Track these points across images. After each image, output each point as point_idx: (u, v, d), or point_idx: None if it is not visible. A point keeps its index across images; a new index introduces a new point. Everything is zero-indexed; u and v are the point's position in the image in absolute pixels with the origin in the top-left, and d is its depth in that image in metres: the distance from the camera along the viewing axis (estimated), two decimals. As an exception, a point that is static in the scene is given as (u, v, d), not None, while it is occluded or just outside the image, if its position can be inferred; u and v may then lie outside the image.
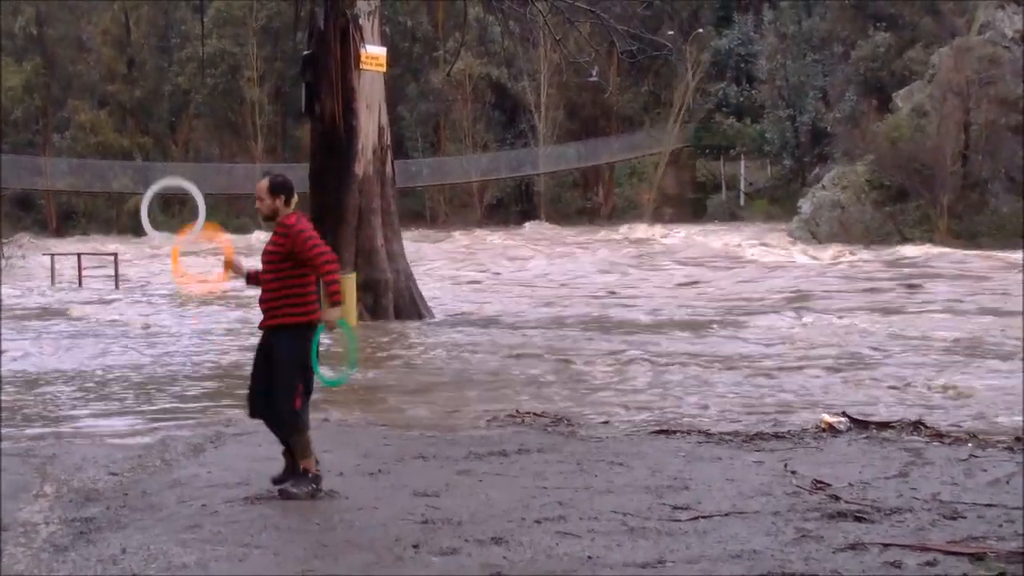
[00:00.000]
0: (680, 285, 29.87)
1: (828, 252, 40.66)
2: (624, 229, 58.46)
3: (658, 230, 57.17)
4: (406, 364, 16.06)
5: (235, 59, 74.11)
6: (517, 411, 11.09)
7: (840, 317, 20.84)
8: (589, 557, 6.02)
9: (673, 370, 14.53)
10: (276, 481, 7.43)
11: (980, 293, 25.44)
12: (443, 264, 39.63)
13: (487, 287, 30.52)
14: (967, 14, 54.64)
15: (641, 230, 57.65)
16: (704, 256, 41.38)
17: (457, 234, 58.76)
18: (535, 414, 10.91)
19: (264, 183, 7.46)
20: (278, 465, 8.19)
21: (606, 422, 10.64)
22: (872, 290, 27.24)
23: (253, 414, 7.60)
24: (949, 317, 20.94)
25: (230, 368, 15.34)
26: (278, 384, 7.38)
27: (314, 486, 7.36)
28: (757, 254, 41.33)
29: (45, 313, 24.27)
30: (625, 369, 14.70)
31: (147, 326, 21.21)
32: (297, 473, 7.40)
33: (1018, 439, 9.17)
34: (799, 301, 24.61)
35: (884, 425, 9.88)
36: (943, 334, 17.99)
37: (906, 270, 33.52)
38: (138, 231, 68.67)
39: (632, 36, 24.74)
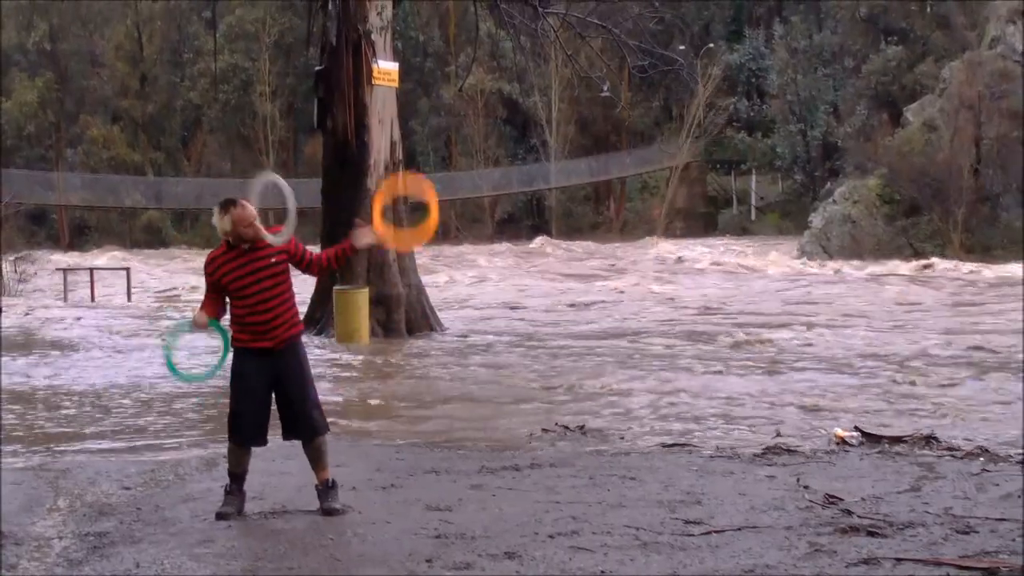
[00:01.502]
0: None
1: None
2: (652, 248, 56.23)
3: (686, 246, 55.33)
4: (418, 378, 16.07)
5: (247, 74, 74.41)
6: (557, 423, 11.06)
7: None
8: (602, 572, 6.02)
9: (693, 382, 14.52)
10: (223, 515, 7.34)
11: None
12: (457, 279, 39.62)
13: (512, 301, 30.41)
14: (978, 28, 54.65)
15: (667, 247, 55.62)
16: (762, 273, 40.38)
17: (475, 254, 58.08)
18: (566, 427, 10.89)
19: (251, 208, 7.32)
20: (292, 479, 8.22)
21: (622, 437, 10.62)
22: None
23: (249, 442, 7.46)
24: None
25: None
26: (311, 393, 7.44)
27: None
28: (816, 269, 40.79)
29: (55, 328, 24.32)
30: (638, 384, 14.67)
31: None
32: (322, 489, 7.43)
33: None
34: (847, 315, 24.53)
35: (896, 439, 9.87)
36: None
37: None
38: (152, 244, 68.99)
39: (643, 51, 24.82)
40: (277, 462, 8.64)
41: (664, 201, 71.59)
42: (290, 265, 7.45)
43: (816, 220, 50.04)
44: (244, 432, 7.41)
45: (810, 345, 18.99)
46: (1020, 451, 9.36)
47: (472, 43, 48.91)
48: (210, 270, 7.38)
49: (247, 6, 75.03)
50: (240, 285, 7.30)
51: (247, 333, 7.35)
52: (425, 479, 8.55)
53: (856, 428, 10.33)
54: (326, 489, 7.40)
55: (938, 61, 57.98)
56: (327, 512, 7.32)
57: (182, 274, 44.84)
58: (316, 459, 7.44)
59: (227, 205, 7.31)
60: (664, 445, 10.07)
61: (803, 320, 23.32)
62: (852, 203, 48.59)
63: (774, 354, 17.85)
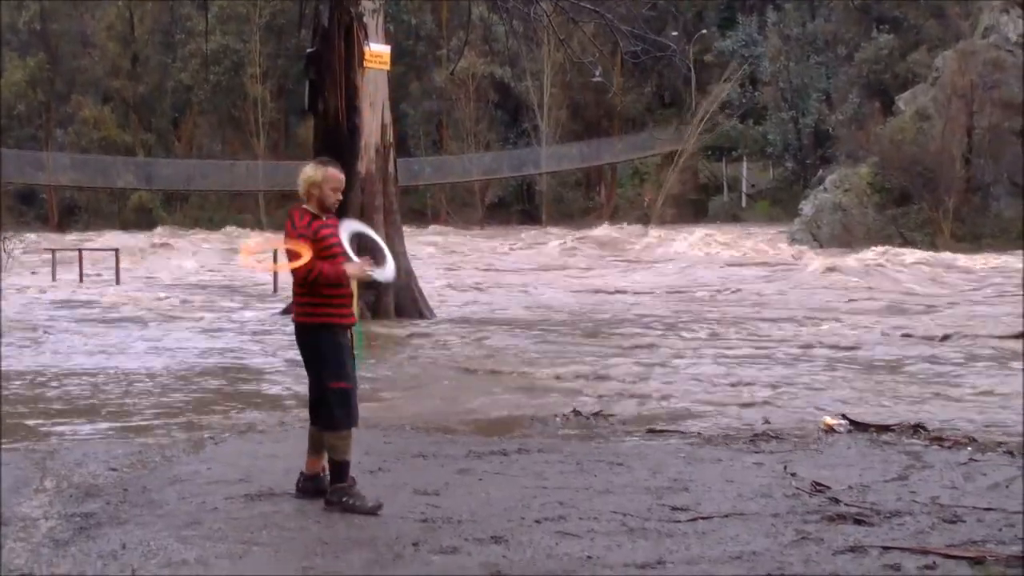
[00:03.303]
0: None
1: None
2: (660, 242, 53.67)
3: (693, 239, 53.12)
4: (406, 362, 16.04)
5: (238, 56, 74.19)
6: (575, 409, 11.04)
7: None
8: (589, 557, 6.03)
9: (682, 371, 14.51)
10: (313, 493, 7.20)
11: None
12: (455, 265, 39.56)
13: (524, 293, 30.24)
14: (971, 17, 54.68)
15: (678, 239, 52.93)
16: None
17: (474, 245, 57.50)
18: (578, 412, 10.87)
19: (343, 179, 7.10)
20: (279, 463, 8.20)
21: (624, 422, 10.61)
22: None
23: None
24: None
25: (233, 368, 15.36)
26: None
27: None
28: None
29: (38, 309, 24.27)
30: (626, 371, 14.66)
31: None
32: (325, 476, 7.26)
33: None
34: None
35: (884, 428, 9.88)
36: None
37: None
38: (140, 226, 68.73)
39: (636, 37, 24.71)
40: (264, 445, 8.62)
41: (660, 188, 71.45)
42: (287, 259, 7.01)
43: (807, 208, 50.05)
44: (357, 411, 7.06)
45: (801, 335, 19.02)
46: (1008, 439, 9.37)
47: (464, 27, 48.81)
48: (315, 226, 6.90)
49: (239, -12, 74.84)
50: (338, 251, 6.99)
51: (339, 307, 6.97)
52: (413, 463, 8.55)
53: (844, 416, 10.34)
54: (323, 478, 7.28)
55: (931, 50, 58.04)
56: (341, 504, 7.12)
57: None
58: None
59: (327, 162, 7.13)
60: (652, 431, 10.08)
61: (804, 315, 23.34)
62: (843, 191, 48.62)
63: (770, 344, 17.85)
